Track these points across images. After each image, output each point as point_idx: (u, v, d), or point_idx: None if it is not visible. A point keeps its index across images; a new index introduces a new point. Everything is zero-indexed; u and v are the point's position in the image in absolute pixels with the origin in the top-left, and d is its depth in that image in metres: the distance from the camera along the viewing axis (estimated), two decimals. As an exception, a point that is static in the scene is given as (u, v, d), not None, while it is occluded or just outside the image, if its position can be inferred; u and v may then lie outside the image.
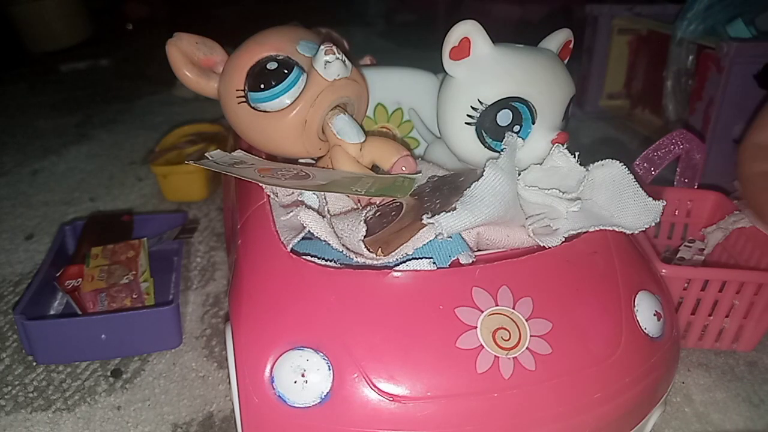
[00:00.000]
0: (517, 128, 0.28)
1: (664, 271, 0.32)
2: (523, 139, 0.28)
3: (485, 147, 0.29)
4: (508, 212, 0.26)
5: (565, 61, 0.31)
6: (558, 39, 0.31)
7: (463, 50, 0.28)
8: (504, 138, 0.28)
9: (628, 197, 0.27)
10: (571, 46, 0.32)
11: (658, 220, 0.26)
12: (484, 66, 0.28)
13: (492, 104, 0.28)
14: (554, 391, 0.22)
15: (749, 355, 0.36)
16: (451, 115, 0.30)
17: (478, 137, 0.29)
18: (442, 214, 0.24)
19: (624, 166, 0.27)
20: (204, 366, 0.35)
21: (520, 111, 0.28)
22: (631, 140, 0.70)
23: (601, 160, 0.28)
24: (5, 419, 0.32)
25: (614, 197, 0.27)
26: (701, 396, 0.33)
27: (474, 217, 0.24)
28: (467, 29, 0.28)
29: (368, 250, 0.24)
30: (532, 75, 0.28)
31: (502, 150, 0.28)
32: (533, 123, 0.28)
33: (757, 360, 0.35)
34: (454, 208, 0.24)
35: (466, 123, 0.29)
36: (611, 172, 0.27)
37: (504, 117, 0.28)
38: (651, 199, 0.26)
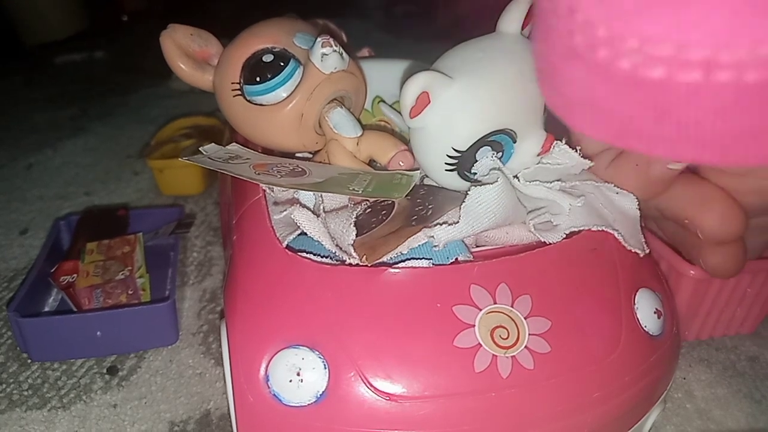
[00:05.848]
0: (500, 154, 0.27)
1: (692, 272, 0.31)
2: (503, 164, 0.27)
3: (473, 183, 0.27)
4: (508, 219, 0.26)
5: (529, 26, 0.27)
6: (519, 10, 0.27)
7: (422, 103, 0.25)
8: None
9: (629, 219, 0.26)
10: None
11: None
12: (449, 111, 0.25)
13: (467, 149, 0.26)
14: (553, 390, 0.22)
15: (750, 350, 0.36)
16: (430, 164, 0.28)
17: (463, 178, 0.27)
18: (442, 226, 0.24)
19: (636, 202, 0.26)
20: (201, 363, 0.35)
21: (499, 141, 0.26)
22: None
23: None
24: (0, 418, 0.31)
25: (617, 209, 0.27)
26: (702, 392, 0.33)
27: (474, 230, 0.24)
28: (422, 84, 0.25)
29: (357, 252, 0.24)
30: (503, 100, 0.25)
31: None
32: (515, 142, 0.27)
33: (758, 355, 0.35)
34: (448, 223, 0.24)
35: (446, 170, 0.27)
36: (623, 202, 0.27)
37: (484, 153, 0.26)
38: (645, 242, 0.26)
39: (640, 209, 0.27)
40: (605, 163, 0.28)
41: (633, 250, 0.26)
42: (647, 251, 0.27)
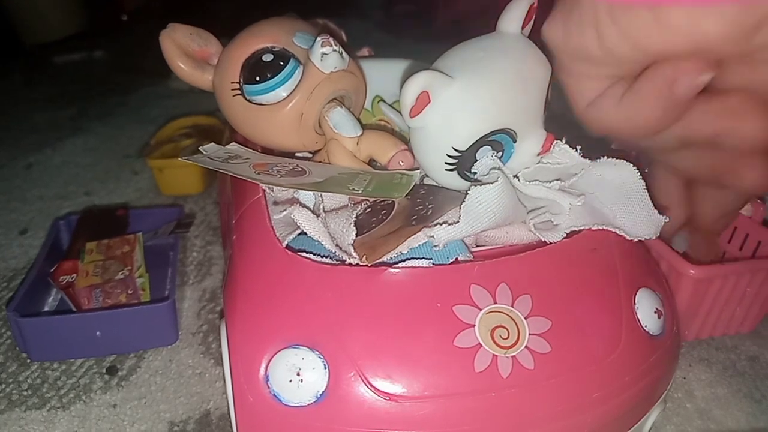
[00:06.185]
0: (500, 154, 0.27)
1: (692, 271, 0.31)
2: (503, 163, 0.27)
3: (473, 182, 0.27)
4: (508, 219, 0.25)
5: (531, 23, 0.27)
6: (519, 9, 0.26)
7: (422, 102, 0.25)
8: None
9: (635, 203, 0.26)
10: (536, 4, 0.27)
11: (658, 234, 0.26)
12: (449, 110, 0.25)
13: (468, 149, 0.26)
14: (553, 390, 0.22)
15: (750, 350, 0.36)
16: (430, 163, 0.27)
17: (463, 178, 0.27)
18: (442, 225, 0.24)
19: (636, 171, 0.26)
20: (201, 363, 0.35)
21: (500, 141, 0.26)
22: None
23: (614, 158, 0.26)
24: (-1, 417, 0.31)
25: (620, 198, 0.26)
26: (703, 392, 0.33)
27: (474, 230, 0.24)
28: (422, 84, 0.24)
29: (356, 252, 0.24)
30: (503, 100, 0.25)
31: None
32: (515, 142, 0.26)
33: (758, 355, 0.35)
34: (448, 222, 0.24)
35: (446, 170, 0.27)
36: (622, 173, 0.26)
37: (484, 153, 0.26)
38: (656, 211, 0.26)
39: (644, 179, 0.26)
40: (616, 99, 0.25)
41: (638, 239, 0.26)
42: (663, 221, 0.26)
